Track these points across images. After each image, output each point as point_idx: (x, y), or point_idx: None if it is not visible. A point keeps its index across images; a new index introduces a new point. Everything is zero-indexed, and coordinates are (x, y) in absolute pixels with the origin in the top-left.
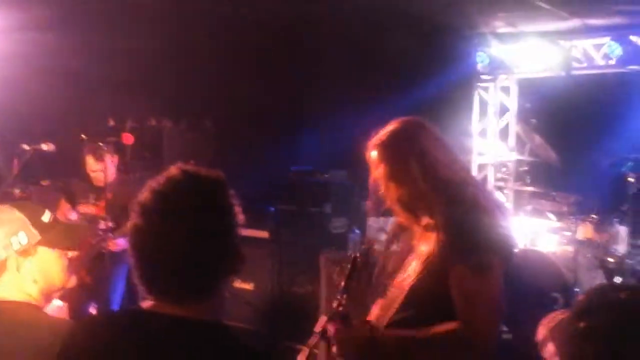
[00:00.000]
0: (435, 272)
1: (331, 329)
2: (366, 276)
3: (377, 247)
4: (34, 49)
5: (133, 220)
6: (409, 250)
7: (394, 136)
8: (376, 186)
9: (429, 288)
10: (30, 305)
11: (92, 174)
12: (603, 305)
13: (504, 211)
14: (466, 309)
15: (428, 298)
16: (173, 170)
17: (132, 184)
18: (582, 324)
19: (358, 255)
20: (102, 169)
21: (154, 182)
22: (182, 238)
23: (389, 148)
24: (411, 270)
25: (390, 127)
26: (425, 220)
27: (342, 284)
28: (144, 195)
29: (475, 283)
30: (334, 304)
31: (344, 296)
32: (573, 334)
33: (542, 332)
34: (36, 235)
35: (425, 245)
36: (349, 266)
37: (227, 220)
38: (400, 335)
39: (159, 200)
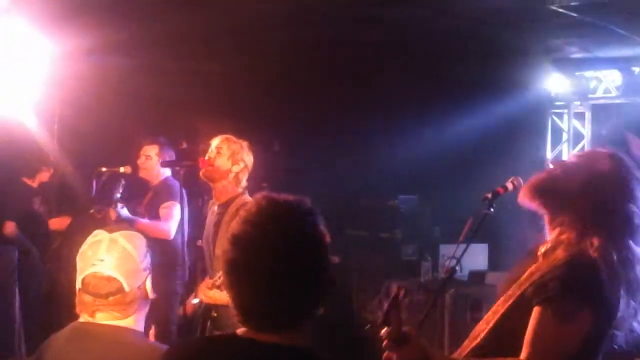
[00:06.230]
0: (523, 308)
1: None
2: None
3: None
4: (107, 72)
5: (226, 251)
6: (518, 274)
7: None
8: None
9: (513, 325)
10: (134, 330)
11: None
12: None
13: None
14: (534, 348)
15: (509, 336)
16: (261, 199)
17: (172, 187)
18: None
19: (403, 291)
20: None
21: (244, 212)
22: (276, 268)
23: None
24: (506, 299)
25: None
26: (550, 243)
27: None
28: (236, 226)
29: (554, 326)
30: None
31: (383, 328)
32: None
33: None
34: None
35: (530, 274)
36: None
37: (319, 248)
38: None
39: (251, 231)
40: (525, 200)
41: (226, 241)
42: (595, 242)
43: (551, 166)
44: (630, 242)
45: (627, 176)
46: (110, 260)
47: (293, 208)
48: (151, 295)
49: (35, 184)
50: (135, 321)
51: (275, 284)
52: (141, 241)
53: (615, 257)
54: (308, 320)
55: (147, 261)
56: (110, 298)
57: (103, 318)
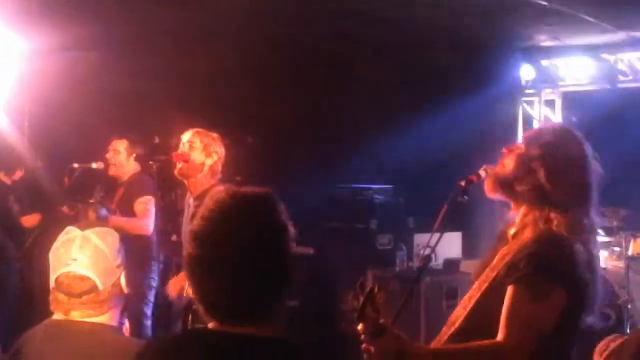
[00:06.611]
0: (498, 290)
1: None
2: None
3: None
4: (77, 68)
5: (187, 248)
6: (491, 257)
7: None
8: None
9: (489, 308)
10: (110, 327)
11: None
12: None
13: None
14: (510, 328)
15: (486, 320)
16: (222, 193)
17: (144, 182)
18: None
19: (377, 286)
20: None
21: (204, 208)
22: (238, 262)
23: (559, 147)
24: (480, 284)
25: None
26: (518, 225)
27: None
28: (196, 222)
29: (528, 305)
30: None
31: (360, 324)
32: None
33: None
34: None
35: (501, 256)
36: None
37: (281, 237)
38: (433, 350)
39: (211, 226)
40: (489, 193)
41: (188, 237)
42: (555, 217)
43: (504, 152)
44: (588, 211)
45: (573, 147)
46: (83, 259)
47: (254, 200)
48: (126, 290)
49: (9, 181)
50: (110, 317)
51: (239, 277)
52: (114, 238)
53: (577, 229)
54: (277, 310)
55: (120, 257)
56: (84, 297)
57: (78, 316)
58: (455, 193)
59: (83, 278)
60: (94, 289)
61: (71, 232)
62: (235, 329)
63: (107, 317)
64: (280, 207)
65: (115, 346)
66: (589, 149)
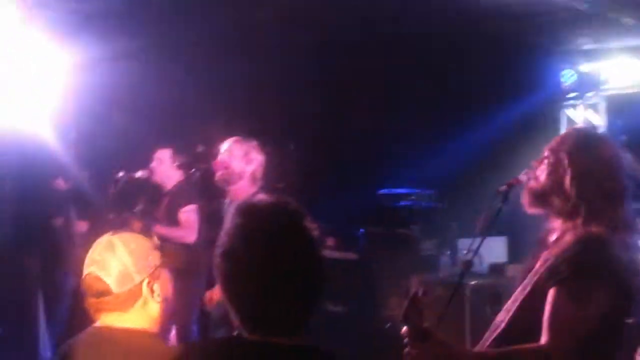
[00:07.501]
0: (540, 294)
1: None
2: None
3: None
4: (121, 79)
5: (220, 263)
6: (533, 262)
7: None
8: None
9: (532, 312)
10: (148, 333)
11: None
12: None
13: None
14: (553, 332)
15: (529, 323)
16: (244, 208)
17: (188, 191)
18: None
19: (420, 291)
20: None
21: (232, 225)
22: (272, 278)
23: (586, 150)
24: (523, 288)
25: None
26: (559, 231)
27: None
28: (227, 239)
29: (570, 308)
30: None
31: (404, 327)
32: None
33: None
34: (159, 257)
35: (543, 261)
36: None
37: (311, 246)
38: (476, 354)
39: (241, 244)
40: (527, 209)
41: (217, 256)
42: (592, 220)
43: (534, 164)
44: (623, 211)
45: (599, 150)
46: (100, 262)
47: (278, 213)
48: (156, 297)
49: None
50: (143, 319)
51: (274, 293)
52: (140, 243)
53: (615, 229)
54: (307, 319)
55: (146, 263)
56: (102, 298)
57: (110, 319)
58: (497, 198)
59: (98, 279)
60: (107, 291)
61: (102, 238)
62: (272, 339)
63: (139, 318)
64: (305, 216)
65: (151, 354)
66: (618, 150)
